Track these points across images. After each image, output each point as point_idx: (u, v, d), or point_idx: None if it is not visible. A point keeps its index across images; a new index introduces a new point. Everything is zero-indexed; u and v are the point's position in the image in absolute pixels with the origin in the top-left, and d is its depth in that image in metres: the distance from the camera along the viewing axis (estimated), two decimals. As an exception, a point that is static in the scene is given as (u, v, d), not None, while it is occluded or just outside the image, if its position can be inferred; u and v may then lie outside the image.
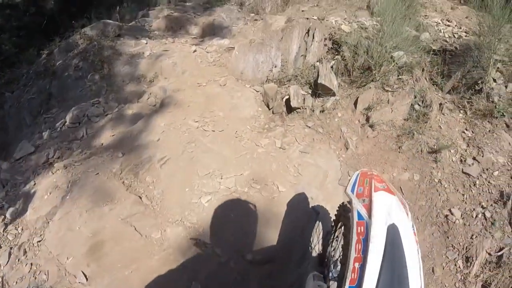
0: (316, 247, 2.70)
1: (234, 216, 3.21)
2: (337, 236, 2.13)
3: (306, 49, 4.61)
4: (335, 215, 2.23)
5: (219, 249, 2.98)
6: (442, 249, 3.00)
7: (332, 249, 2.14)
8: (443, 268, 2.89)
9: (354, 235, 1.35)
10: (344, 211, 1.95)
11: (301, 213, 3.27)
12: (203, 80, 4.64)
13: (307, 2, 6.07)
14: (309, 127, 4.00)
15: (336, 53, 4.47)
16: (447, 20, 5.41)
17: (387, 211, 1.37)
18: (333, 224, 2.32)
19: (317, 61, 4.51)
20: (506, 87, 4.07)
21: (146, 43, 5.51)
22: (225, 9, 6.55)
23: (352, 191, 1.59)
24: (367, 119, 3.93)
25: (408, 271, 1.22)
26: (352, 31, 4.59)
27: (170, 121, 3.98)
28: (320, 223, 2.90)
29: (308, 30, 4.67)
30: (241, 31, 5.76)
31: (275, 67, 4.64)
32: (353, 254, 1.29)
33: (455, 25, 5.23)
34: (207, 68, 4.91)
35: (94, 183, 3.38)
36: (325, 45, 4.58)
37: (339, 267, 1.82)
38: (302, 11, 5.62)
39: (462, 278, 2.82)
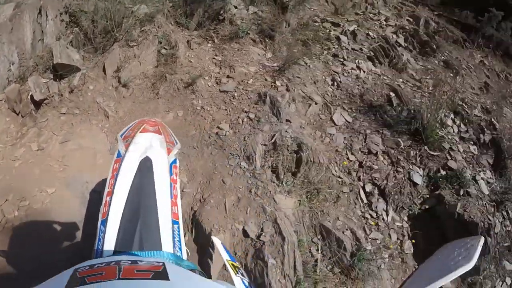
0: None
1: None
2: None
3: (42, 31, 4.06)
4: None
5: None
6: (224, 161, 3.18)
7: None
8: (231, 176, 3.08)
9: (110, 172, 1.35)
10: None
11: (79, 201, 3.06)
12: None
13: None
14: (64, 113, 3.62)
15: (75, 25, 4.07)
16: None
17: (146, 147, 1.40)
18: None
19: (57, 41, 4.02)
20: (247, 10, 4.40)
21: None
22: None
23: (122, 135, 1.57)
24: (119, 80, 3.79)
25: (157, 200, 1.24)
26: (88, -3, 4.21)
27: None
28: None
29: (40, 10, 4.10)
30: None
31: (13, 64, 3.98)
32: (106, 189, 1.30)
33: None
34: None
35: None
36: (62, 20, 4.10)
37: None
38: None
39: (251, 174, 3.10)
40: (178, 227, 1.25)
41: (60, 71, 3.71)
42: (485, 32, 6.45)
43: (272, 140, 3.20)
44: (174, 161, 1.46)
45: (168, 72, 3.74)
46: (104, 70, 3.80)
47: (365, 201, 3.48)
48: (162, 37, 3.97)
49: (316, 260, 2.99)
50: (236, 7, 4.37)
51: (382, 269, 3.13)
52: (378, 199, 3.50)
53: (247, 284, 1.22)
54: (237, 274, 1.23)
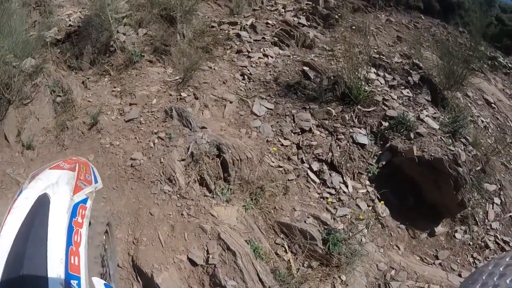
0: None
1: None
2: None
3: None
4: None
5: None
6: (146, 191, 2.83)
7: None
8: (158, 204, 2.73)
9: (7, 211, 1.13)
10: None
11: None
12: None
13: None
14: None
15: None
16: (82, 8, 5.20)
17: (48, 184, 1.20)
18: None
19: None
20: (137, 33, 4.18)
21: None
22: None
23: (34, 174, 1.35)
24: (23, 144, 3.38)
25: (48, 247, 1.00)
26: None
27: None
28: None
29: None
30: None
31: None
32: None
33: (87, 10, 5.07)
34: None
35: None
36: None
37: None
38: None
39: (178, 195, 2.74)
40: (79, 284, 1.00)
41: None
42: (383, -6, 6.73)
43: (189, 152, 2.85)
44: (84, 201, 1.27)
45: (68, 119, 3.40)
46: (6, 138, 3.39)
47: (317, 181, 3.15)
48: (53, 85, 3.66)
49: (288, 262, 2.58)
50: (124, 34, 4.15)
51: (365, 243, 2.78)
52: (330, 174, 3.20)
53: None
54: None
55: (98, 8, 4.08)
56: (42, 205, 1.12)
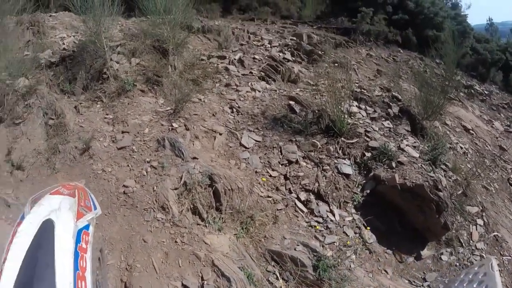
0: None
1: None
2: None
3: None
4: None
5: None
6: (139, 218, 2.87)
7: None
8: (151, 231, 2.78)
9: (10, 236, 1.14)
10: None
11: None
12: None
13: None
14: None
15: None
16: (75, 32, 5.33)
17: (51, 210, 1.22)
18: None
19: None
20: (130, 62, 4.34)
21: None
22: None
23: (33, 198, 1.38)
24: (12, 164, 3.37)
25: (56, 273, 1.03)
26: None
27: None
28: None
29: None
30: None
31: None
32: (3, 255, 1.08)
33: (80, 34, 5.21)
34: None
35: None
36: None
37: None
38: None
39: (171, 223, 2.81)
40: None
41: None
42: (363, 29, 7.23)
43: (182, 182, 2.95)
44: (86, 227, 1.29)
45: (60, 143, 3.43)
46: None
47: (305, 210, 3.29)
48: (46, 107, 3.71)
49: (280, 288, 2.66)
50: (118, 62, 4.27)
51: (354, 268, 2.91)
52: (317, 204, 3.35)
53: None
54: None
55: (93, 34, 4.21)
56: (47, 230, 1.14)
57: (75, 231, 1.21)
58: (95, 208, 1.47)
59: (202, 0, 5.90)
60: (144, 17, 5.18)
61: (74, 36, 5.14)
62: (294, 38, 6.06)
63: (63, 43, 4.92)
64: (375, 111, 4.46)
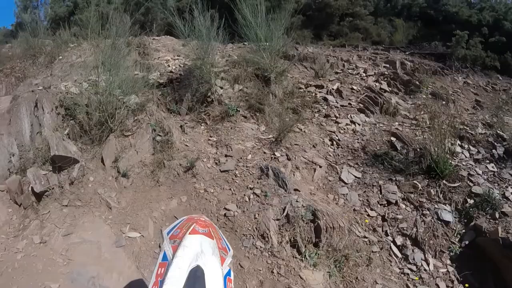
0: None
1: None
2: None
3: (40, 124, 4.15)
4: None
5: None
6: (238, 243, 2.98)
7: None
8: (248, 258, 2.88)
9: (153, 277, 1.22)
10: None
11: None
12: None
13: (40, 73, 5.59)
14: (66, 205, 3.51)
15: (71, 118, 4.20)
16: (177, 55, 5.79)
17: (196, 253, 1.26)
18: None
19: (53, 133, 4.09)
20: (233, 88, 4.58)
21: None
22: None
23: (169, 233, 1.46)
24: (118, 170, 3.76)
25: None
26: (82, 92, 4.40)
27: None
28: None
29: (36, 103, 4.24)
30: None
31: (13, 155, 3.98)
32: None
33: (183, 57, 5.64)
34: None
35: None
36: (58, 113, 4.22)
37: None
38: (35, 84, 5.01)
39: (270, 253, 2.88)
40: None
41: (58, 163, 3.69)
42: (458, 55, 6.70)
43: (285, 213, 3.03)
44: (228, 273, 1.32)
45: (165, 159, 3.73)
46: (102, 161, 3.81)
47: (399, 255, 3.17)
48: (155, 124, 4.06)
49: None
50: (221, 87, 4.55)
51: None
52: (413, 250, 3.20)
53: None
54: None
55: (199, 60, 4.54)
56: (197, 278, 1.18)
57: (222, 279, 1.24)
58: (229, 249, 1.47)
59: (294, 27, 5.95)
60: (242, 43, 5.43)
61: (177, 60, 5.63)
62: (387, 65, 5.88)
63: (168, 65, 5.44)
64: (478, 152, 4.11)
